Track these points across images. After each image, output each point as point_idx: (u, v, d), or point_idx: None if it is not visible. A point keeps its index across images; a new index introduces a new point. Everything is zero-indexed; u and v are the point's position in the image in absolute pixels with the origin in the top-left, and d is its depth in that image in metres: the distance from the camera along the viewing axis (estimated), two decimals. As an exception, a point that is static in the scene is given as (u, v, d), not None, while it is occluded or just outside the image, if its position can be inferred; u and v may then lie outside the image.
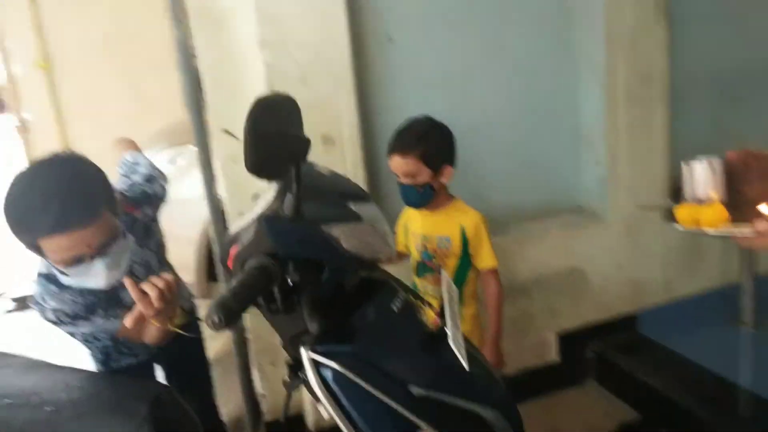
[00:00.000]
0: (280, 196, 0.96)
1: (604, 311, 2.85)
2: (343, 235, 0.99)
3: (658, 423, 2.57)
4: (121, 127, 4.71)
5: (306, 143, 0.92)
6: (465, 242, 1.94)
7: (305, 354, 0.96)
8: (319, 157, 2.20)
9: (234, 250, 0.96)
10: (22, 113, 4.60)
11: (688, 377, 2.61)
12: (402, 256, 2.14)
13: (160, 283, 1.27)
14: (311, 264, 0.95)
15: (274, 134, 0.86)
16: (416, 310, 1.16)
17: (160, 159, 3.39)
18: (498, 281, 1.98)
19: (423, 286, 2.03)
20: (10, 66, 4.55)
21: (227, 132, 2.19)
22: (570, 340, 2.81)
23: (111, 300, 1.42)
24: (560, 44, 2.68)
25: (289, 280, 0.93)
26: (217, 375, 2.36)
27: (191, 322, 1.79)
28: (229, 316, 0.79)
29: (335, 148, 2.22)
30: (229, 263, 0.96)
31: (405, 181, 1.86)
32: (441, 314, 1.17)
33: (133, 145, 1.93)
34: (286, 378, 1.06)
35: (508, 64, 2.60)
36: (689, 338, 2.85)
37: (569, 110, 2.76)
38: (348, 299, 1.09)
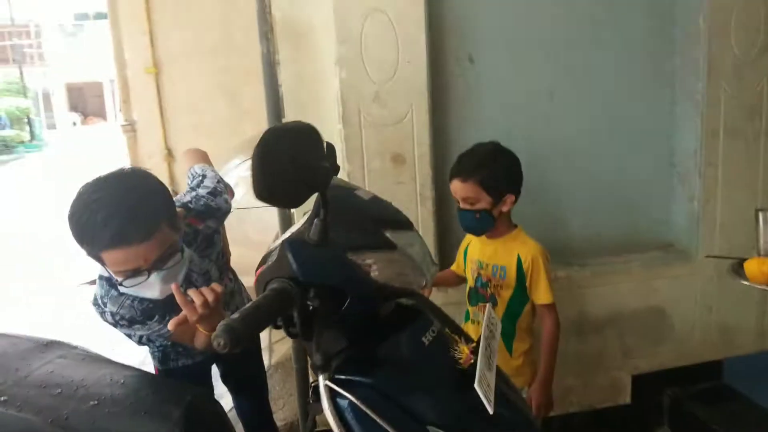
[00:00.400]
0: (310, 221, 0.96)
1: (686, 356, 2.65)
2: (372, 263, 0.98)
3: None
4: (217, 132, 5.05)
5: (326, 172, 0.91)
6: (521, 274, 1.86)
7: (322, 382, 0.95)
8: (388, 175, 2.22)
9: (258, 272, 0.97)
10: (132, 114, 4.96)
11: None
12: (460, 280, 2.09)
13: (207, 292, 1.32)
14: (333, 291, 0.94)
15: (287, 163, 0.86)
16: (449, 344, 1.12)
17: (243, 167, 3.52)
18: (554, 318, 1.88)
19: (475, 314, 1.97)
20: (124, 71, 4.92)
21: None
22: (646, 383, 2.63)
23: (168, 307, 1.48)
24: (656, 70, 2.53)
25: (309, 305, 0.92)
26: (276, 379, 2.42)
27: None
28: (235, 339, 0.80)
29: (405, 167, 2.21)
30: (254, 283, 0.97)
31: (464, 206, 1.81)
32: (475, 351, 1.12)
33: (203, 157, 2.00)
34: (310, 400, 1.06)
35: (596, 88, 2.47)
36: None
37: (663, 140, 2.59)
38: (379, 328, 1.07)
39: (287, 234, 1.04)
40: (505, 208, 1.83)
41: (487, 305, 1.37)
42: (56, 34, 26.64)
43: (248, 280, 3.18)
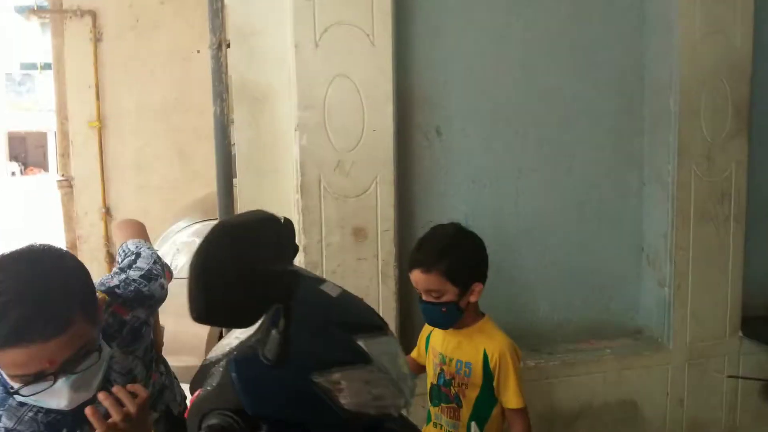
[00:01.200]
0: (264, 330, 0.75)
1: (658, 454, 2.48)
2: (343, 386, 0.77)
3: None
4: (165, 192, 4.79)
5: (292, 278, 0.71)
6: (488, 372, 1.66)
7: None
8: (348, 250, 2.03)
9: (193, 398, 0.75)
10: (69, 169, 4.64)
11: None
12: (421, 369, 1.88)
13: (127, 400, 1.07)
14: (291, 427, 0.72)
15: (238, 272, 0.66)
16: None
17: (189, 231, 3.26)
18: (526, 423, 1.67)
19: (437, 416, 1.75)
20: (65, 123, 4.63)
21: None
22: (617, 483, 2.44)
23: (79, 420, 1.20)
24: (627, 152, 2.46)
25: (259, 448, 0.70)
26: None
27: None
28: None
29: (367, 242, 2.02)
30: (186, 415, 0.75)
31: (427, 298, 1.63)
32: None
33: (138, 230, 1.69)
34: None
35: (566, 168, 2.38)
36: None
37: (633, 224, 2.50)
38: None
39: (232, 340, 0.82)
40: (473, 298, 1.66)
41: (472, 425, 1.18)
42: (2, 81, 25.85)
43: (189, 360, 2.88)
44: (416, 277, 1.62)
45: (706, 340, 2.47)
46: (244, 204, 2.05)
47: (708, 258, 2.43)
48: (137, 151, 4.65)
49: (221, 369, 0.74)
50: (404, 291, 2.12)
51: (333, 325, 0.83)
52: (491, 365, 1.65)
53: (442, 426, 1.73)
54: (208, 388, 0.74)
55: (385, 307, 2.06)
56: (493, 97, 2.26)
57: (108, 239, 4.63)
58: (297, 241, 1.97)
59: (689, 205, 2.39)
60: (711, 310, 2.46)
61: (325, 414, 0.74)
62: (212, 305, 0.66)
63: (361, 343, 0.85)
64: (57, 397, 1.12)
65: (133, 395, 1.12)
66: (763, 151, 2.54)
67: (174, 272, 2.93)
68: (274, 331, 0.73)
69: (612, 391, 2.38)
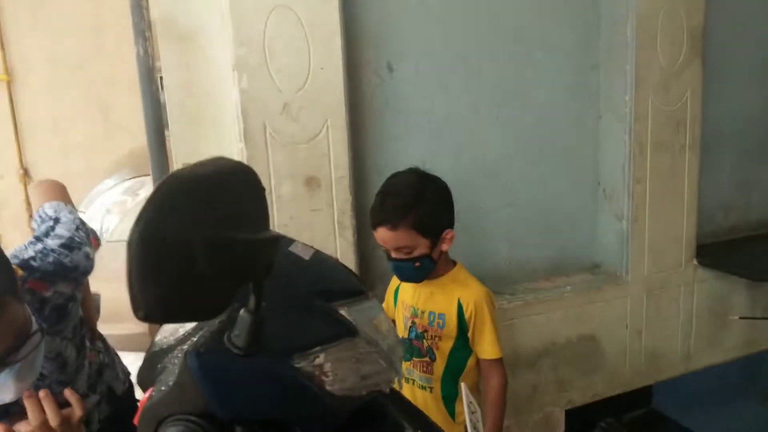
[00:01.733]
0: (229, 312, 0.60)
1: (618, 384, 2.51)
2: (329, 368, 0.64)
3: None
4: (88, 149, 4.41)
5: (272, 246, 0.56)
6: (462, 322, 1.58)
7: None
8: (300, 202, 1.87)
9: (144, 400, 0.60)
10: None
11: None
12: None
13: (53, 415, 0.91)
14: (272, 427, 0.59)
15: (209, 245, 0.49)
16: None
17: (119, 190, 3.01)
18: (501, 375, 1.61)
19: (408, 371, 1.67)
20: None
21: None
22: (579, 417, 2.46)
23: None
24: (583, 86, 2.37)
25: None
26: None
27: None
28: None
29: (321, 192, 1.87)
30: (136, 421, 0.60)
31: (397, 255, 1.51)
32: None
33: (58, 192, 1.47)
34: None
35: (523, 104, 2.27)
36: (707, 415, 2.53)
37: (589, 158, 2.44)
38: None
39: (186, 326, 0.66)
40: (445, 247, 1.55)
41: (462, 387, 1.08)
42: None
43: (133, 327, 2.67)
44: (383, 235, 1.49)
45: (662, 270, 2.48)
46: (179, 158, 1.85)
47: (664, 189, 2.41)
48: (53, 106, 4.21)
49: (177, 362, 0.60)
50: (363, 241, 1.99)
51: (311, 295, 0.69)
52: (466, 315, 1.56)
53: (414, 381, 1.65)
54: (163, 388, 0.59)
55: (345, 261, 1.93)
56: (447, 31, 2.10)
57: (29, 204, 4.26)
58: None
59: (646, 136, 2.34)
60: (667, 241, 2.46)
61: (311, 405, 0.61)
62: (169, 297, 0.49)
63: (343, 312, 0.72)
64: (4, 391, 0.95)
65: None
66: (716, 80, 2.50)
67: (104, 236, 2.70)
68: (243, 312, 0.58)
69: (573, 327, 2.36)
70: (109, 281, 2.76)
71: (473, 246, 2.28)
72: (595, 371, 2.44)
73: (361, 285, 0.82)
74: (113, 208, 2.83)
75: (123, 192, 2.87)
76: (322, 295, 0.72)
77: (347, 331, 0.70)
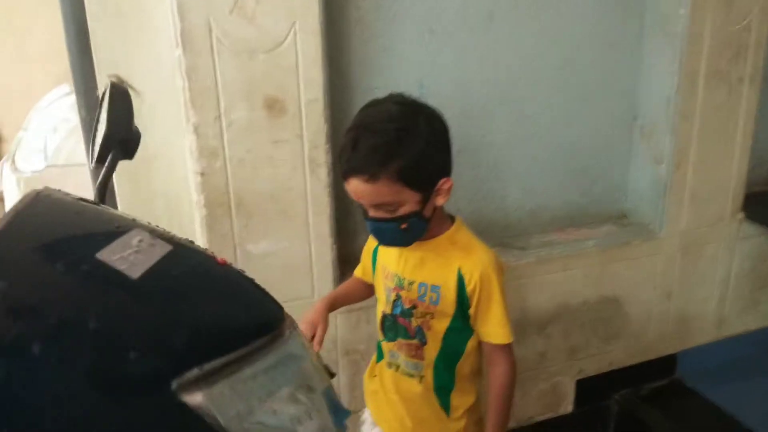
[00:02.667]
0: None
1: (638, 352, 2.17)
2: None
3: None
4: (49, 59, 3.86)
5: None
6: (462, 297, 1.21)
7: None
8: (259, 131, 1.44)
9: None
10: None
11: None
12: (370, 290, 1.42)
13: None
14: None
15: None
16: None
17: (65, 104, 2.56)
18: (510, 362, 1.25)
19: (392, 355, 1.31)
20: None
21: (117, 80, 1.42)
22: (591, 388, 2.14)
23: None
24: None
25: None
26: None
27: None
28: None
29: (286, 118, 1.46)
30: None
31: (376, 214, 1.12)
32: None
33: None
34: None
35: (549, 14, 1.81)
36: (736, 388, 2.21)
37: (626, 87, 2.00)
38: None
39: None
40: (440, 201, 1.16)
41: None
42: None
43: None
44: (357, 188, 1.10)
45: (702, 225, 2.09)
46: (104, 67, 1.43)
47: (715, 128, 1.98)
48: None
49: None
50: (339, 182, 1.60)
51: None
52: (468, 288, 1.19)
53: (398, 366, 1.30)
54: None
55: (316, 208, 1.55)
56: None
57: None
58: (185, 118, 1.39)
59: (699, 63, 1.89)
60: (711, 190, 2.06)
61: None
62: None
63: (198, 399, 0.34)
64: None
65: None
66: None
67: (49, 158, 2.29)
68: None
69: (592, 288, 2.00)
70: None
71: (477, 188, 1.90)
72: (614, 338, 2.10)
73: (269, 310, 0.44)
74: (60, 126, 2.42)
75: (70, 107, 2.44)
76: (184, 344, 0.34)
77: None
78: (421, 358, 1.26)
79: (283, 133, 1.46)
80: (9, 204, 2.58)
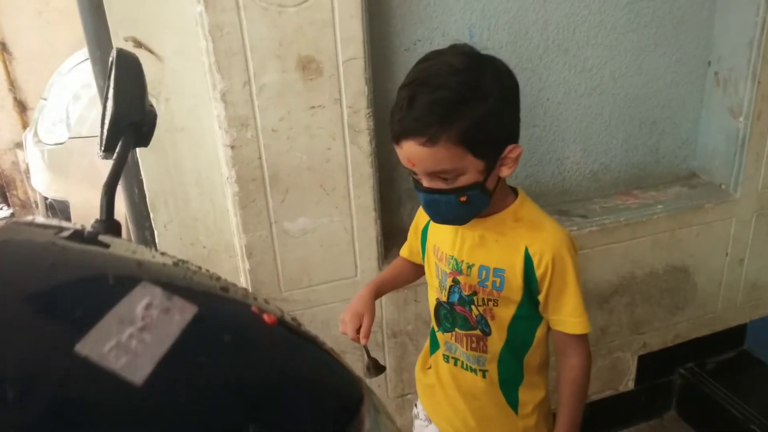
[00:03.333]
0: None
1: (705, 324, 2.00)
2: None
3: None
4: (73, 17, 3.71)
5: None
6: (530, 281, 1.04)
7: None
8: (293, 95, 1.27)
9: None
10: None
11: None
12: (419, 272, 1.27)
13: None
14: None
15: None
16: None
17: (86, 69, 2.40)
18: (585, 354, 1.10)
19: (450, 347, 1.16)
20: None
21: (135, 43, 1.26)
22: (654, 363, 1.99)
23: None
24: None
25: None
26: None
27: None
28: None
29: (322, 80, 1.29)
30: None
31: (432, 184, 0.95)
32: None
33: None
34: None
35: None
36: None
37: (700, 28, 1.77)
38: None
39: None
40: (506, 171, 0.99)
41: None
42: None
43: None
44: (411, 152, 0.93)
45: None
46: (118, 28, 1.27)
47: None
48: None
49: None
50: (384, 152, 1.43)
51: None
52: (538, 272, 1.03)
53: (458, 361, 1.15)
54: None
55: (357, 179, 1.39)
56: None
57: (11, 82, 3.72)
58: (211, 84, 1.23)
59: (790, -3, 1.64)
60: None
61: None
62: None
63: None
64: None
65: None
66: None
67: (72, 128, 2.20)
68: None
69: (660, 257, 1.82)
70: (80, 183, 2.30)
71: (533, 149, 1.72)
72: (680, 309, 1.93)
73: (348, 393, 0.29)
74: (82, 93, 2.27)
75: (91, 73, 2.28)
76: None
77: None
78: (484, 350, 1.12)
79: (320, 98, 1.30)
80: (35, 180, 2.46)
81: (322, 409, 0.29)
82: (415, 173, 0.98)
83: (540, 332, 1.11)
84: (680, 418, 2.08)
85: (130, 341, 0.25)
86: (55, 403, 0.23)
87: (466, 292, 1.09)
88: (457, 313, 1.12)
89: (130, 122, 0.59)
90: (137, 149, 1.26)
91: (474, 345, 1.12)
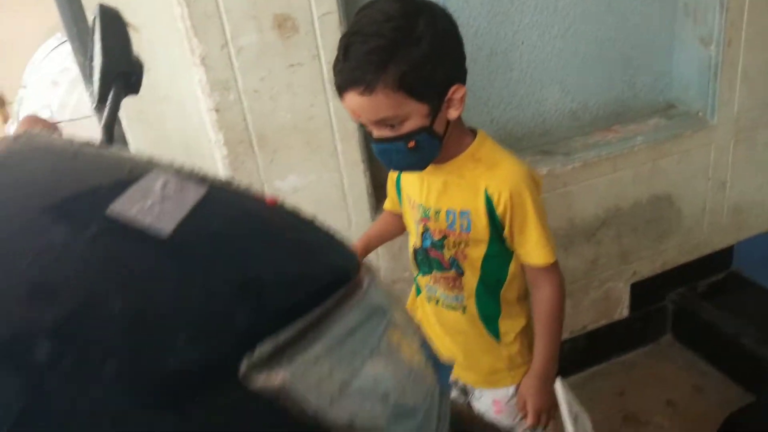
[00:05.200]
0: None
1: (693, 248, 2.07)
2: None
3: (744, 384, 1.93)
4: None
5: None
6: (494, 219, 1.08)
7: None
8: (271, 55, 1.31)
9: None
10: None
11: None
12: (403, 226, 1.31)
13: None
14: None
15: None
16: None
17: (62, 53, 2.40)
18: (556, 282, 1.13)
19: (429, 288, 1.21)
20: None
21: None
22: (646, 290, 2.06)
23: None
24: None
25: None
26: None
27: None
28: None
29: (299, 38, 1.32)
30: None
31: (381, 134, 0.98)
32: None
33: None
34: None
35: None
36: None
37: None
38: None
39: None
40: (453, 113, 1.01)
41: (558, 384, 0.63)
42: None
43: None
44: (354, 103, 0.95)
45: (756, 107, 1.92)
46: (91, 2, 1.29)
47: (770, -2, 1.78)
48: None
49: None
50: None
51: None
52: (499, 210, 1.06)
53: (438, 301, 1.20)
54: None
55: (343, 134, 1.43)
56: None
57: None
58: (189, 50, 1.26)
59: None
60: (765, 69, 1.88)
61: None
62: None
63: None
64: None
65: None
66: None
67: (55, 115, 2.21)
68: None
69: (643, 187, 1.88)
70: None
71: (512, 93, 1.75)
72: (667, 236, 1.99)
73: (337, 262, 0.34)
74: (59, 78, 2.28)
75: (67, 56, 2.28)
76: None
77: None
78: (460, 289, 1.16)
79: (298, 55, 1.32)
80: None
81: (319, 266, 0.34)
82: (363, 124, 1.01)
83: (513, 268, 1.14)
84: (675, 340, 2.16)
85: (152, 207, 0.30)
86: (98, 242, 0.29)
87: (436, 237, 1.13)
88: (432, 257, 1.16)
89: (120, 72, 0.63)
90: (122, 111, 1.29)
91: (451, 285, 1.16)
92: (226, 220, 0.33)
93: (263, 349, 0.27)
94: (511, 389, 1.22)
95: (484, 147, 1.09)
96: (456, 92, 0.98)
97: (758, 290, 2.14)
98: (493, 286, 1.15)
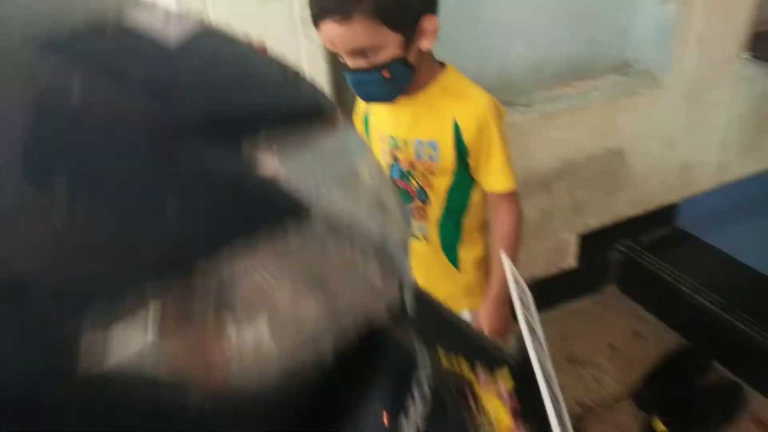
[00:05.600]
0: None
1: (641, 203, 2.19)
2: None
3: (681, 331, 2.08)
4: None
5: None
6: (461, 148, 1.13)
7: None
8: (252, 17, 1.34)
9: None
10: None
11: (723, 276, 2.12)
12: None
13: None
14: None
15: None
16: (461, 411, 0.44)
17: None
18: (515, 210, 1.20)
19: None
20: None
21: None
22: (594, 241, 2.17)
23: None
24: None
25: None
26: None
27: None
28: None
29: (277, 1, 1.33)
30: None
31: (356, 64, 1.02)
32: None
33: None
34: None
35: None
36: (735, 232, 2.25)
37: None
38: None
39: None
40: (426, 44, 1.06)
41: (504, 258, 0.69)
42: None
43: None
44: (330, 33, 0.98)
45: (706, 67, 2.03)
46: None
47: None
48: None
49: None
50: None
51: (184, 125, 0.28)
52: (466, 138, 1.11)
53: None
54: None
55: (312, 72, 1.46)
56: None
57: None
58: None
59: None
60: (719, 29, 1.97)
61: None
62: None
63: (270, 162, 0.30)
64: None
65: None
66: None
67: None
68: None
69: (597, 141, 1.97)
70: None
71: (478, 44, 1.79)
72: (618, 190, 2.10)
73: (319, 97, 0.39)
74: None
75: None
76: (215, 126, 0.29)
77: (282, 209, 0.28)
78: (425, 218, 1.22)
79: (271, -10, 1.34)
80: None
81: (307, 93, 0.39)
82: (339, 55, 1.04)
83: (475, 196, 1.21)
84: (619, 290, 2.30)
85: (160, 23, 0.35)
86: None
87: (405, 168, 1.18)
88: (399, 188, 1.21)
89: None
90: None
91: (416, 214, 1.22)
92: (224, 47, 0.38)
93: (260, 135, 0.32)
94: (466, 314, 1.29)
95: (453, 78, 1.14)
96: (429, 23, 1.03)
97: (699, 244, 2.27)
98: (456, 214, 1.21)
